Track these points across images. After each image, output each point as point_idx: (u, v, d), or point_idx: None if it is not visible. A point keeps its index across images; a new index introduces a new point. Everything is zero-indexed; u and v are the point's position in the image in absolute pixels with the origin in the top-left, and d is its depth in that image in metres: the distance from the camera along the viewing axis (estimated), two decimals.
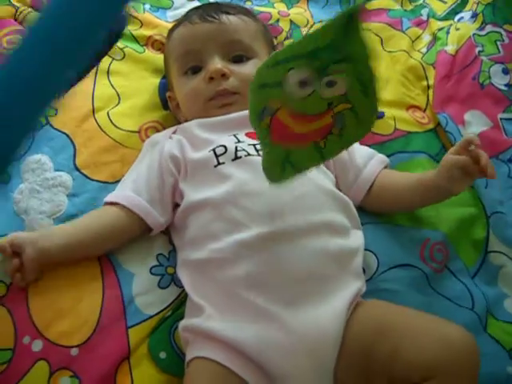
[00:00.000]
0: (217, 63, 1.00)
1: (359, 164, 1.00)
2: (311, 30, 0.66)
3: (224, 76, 1.00)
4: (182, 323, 0.85)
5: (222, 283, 0.83)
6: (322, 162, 0.76)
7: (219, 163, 0.91)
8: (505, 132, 1.17)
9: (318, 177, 0.92)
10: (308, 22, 1.32)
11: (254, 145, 0.93)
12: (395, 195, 0.99)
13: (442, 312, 0.89)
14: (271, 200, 0.86)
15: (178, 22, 1.11)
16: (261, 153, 0.90)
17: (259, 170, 0.84)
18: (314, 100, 0.66)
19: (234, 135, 0.95)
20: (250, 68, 1.02)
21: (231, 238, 0.84)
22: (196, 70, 1.03)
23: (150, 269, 0.92)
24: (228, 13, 1.07)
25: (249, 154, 0.91)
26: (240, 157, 0.91)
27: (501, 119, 1.18)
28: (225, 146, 0.93)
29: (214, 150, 0.93)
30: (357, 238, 0.91)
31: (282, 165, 0.76)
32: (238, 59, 1.04)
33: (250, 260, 0.82)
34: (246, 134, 0.96)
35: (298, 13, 1.33)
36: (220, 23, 1.04)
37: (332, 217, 0.88)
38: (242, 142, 0.94)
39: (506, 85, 1.23)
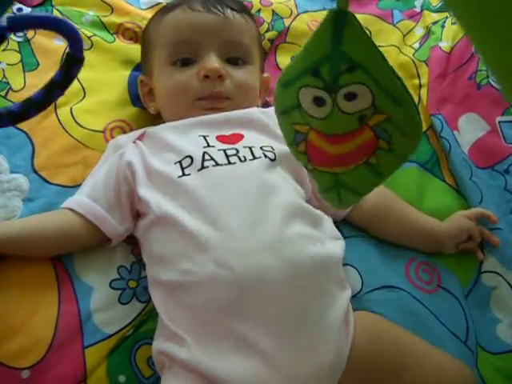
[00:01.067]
0: (214, 61, 0.93)
1: None
2: (307, 42, 0.56)
3: (220, 77, 0.93)
4: (157, 347, 0.78)
5: (196, 309, 0.76)
6: (382, 179, 0.65)
7: (184, 174, 0.84)
8: (503, 137, 1.11)
9: (287, 190, 0.85)
10: (292, 12, 1.23)
11: (224, 150, 0.86)
12: (387, 226, 0.96)
13: (436, 341, 0.86)
14: (239, 214, 0.79)
15: (174, 5, 1.02)
16: (231, 160, 0.85)
17: (226, 182, 0.80)
18: (338, 117, 0.57)
19: (204, 137, 0.88)
20: (244, 74, 0.97)
21: (204, 258, 0.76)
22: (187, 62, 0.96)
23: (110, 282, 0.86)
24: (232, 8, 0.99)
25: (217, 164, 0.84)
26: (207, 166, 0.84)
27: (499, 122, 1.12)
28: (191, 157, 0.85)
29: (180, 162, 0.85)
30: (335, 246, 0.84)
31: (335, 190, 0.67)
32: (234, 61, 0.97)
33: (228, 282, 0.74)
34: (218, 138, 0.89)
35: (282, 2, 1.25)
36: (225, 18, 0.97)
37: (308, 226, 0.82)
38: (212, 146, 0.87)
39: None
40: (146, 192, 0.85)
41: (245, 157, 0.85)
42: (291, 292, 0.75)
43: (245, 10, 1.04)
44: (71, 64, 0.65)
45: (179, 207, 0.81)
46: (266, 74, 1.06)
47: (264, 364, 0.72)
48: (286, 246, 0.77)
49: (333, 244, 0.84)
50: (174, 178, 0.84)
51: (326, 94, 0.55)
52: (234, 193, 0.81)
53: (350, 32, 0.51)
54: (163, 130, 0.92)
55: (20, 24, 0.62)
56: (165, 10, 1.02)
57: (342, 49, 0.52)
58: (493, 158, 1.09)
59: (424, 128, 1.11)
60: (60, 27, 0.63)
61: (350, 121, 0.58)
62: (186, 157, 0.85)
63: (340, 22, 0.50)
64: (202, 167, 0.84)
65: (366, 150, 0.61)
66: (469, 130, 1.12)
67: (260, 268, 0.75)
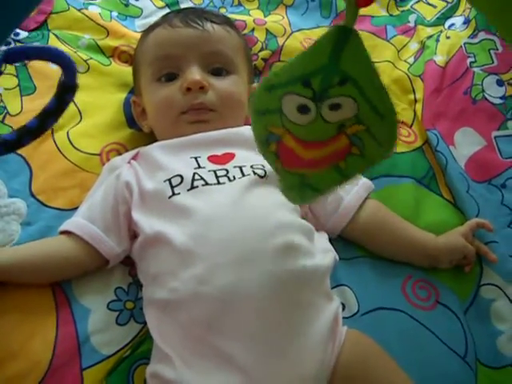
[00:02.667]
0: (196, 74, 0.95)
1: (340, 192, 0.92)
2: (303, 51, 0.56)
3: (202, 89, 0.94)
4: (149, 369, 0.79)
5: (184, 327, 0.77)
6: (346, 181, 0.67)
7: (174, 194, 0.85)
8: (499, 152, 1.11)
9: (275, 205, 0.85)
10: (285, 31, 1.24)
11: (214, 171, 0.87)
12: (381, 240, 0.96)
13: (433, 360, 0.87)
14: (226, 229, 0.80)
15: (156, 24, 1.05)
16: (221, 180, 0.86)
17: (217, 201, 0.81)
18: (319, 125, 0.58)
19: (196, 159, 0.89)
20: (228, 84, 0.97)
21: (188, 275, 0.77)
22: (171, 77, 0.97)
23: (108, 304, 0.86)
24: (212, 21, 1.01)
25: (206, 184, 0.85)
26: (196, 186, 0.85)
27: (495, 137, 1.11)
28: (181, 176, 0.86)
29: (169, 180, 0.86)
30: (324, 258, 0.84)
31: (299, 189, 0.69)
32: (217, 72, 0.98)
33: (208, 298, 0.76)
34: (209, 158, 0.90)
35: (275, 21, 1.25)
36: (204, 31, 0.99)
37: (295, 239, 0.81)
38: (203, 167, 0.88)
39: (501, 97, 1.16)
40: (139, 214, 0.86)
41: (234, 176, 0.86)
42: (273, 305, 0.76)
43: (227, 23, 1.05)
44: (65, 92, 0.66)
45: (170, 226, 0.82)
46: (254, 85, 1.07)
47: (246, 380, 0.73)
48: (268, 259, 0.77)
49: (322, 256, 0.84)
50: (164, 197, 0.85)
51: (312, 103, 0.56)
52: (220, 210, 0.82)
53: (351, 49, 0.52)
54: (155, 150, 0.93)
55: (15, 56, 0.63)
56: (148, 30, 1.05)
57: (338, 64, 0.53)
58: (489, 173, 1.09)
59: (420, 143, 1.12)
60: (54, 57, 0.64)
61: (329, 129, 0.59)
62: (176, 175, 0.87)
63: (342, 38, 0.51)
64: (192, 187, 0.85)
65: (339, 155, 0.62)
66: (465, 144, 1.12)
67: (240, 282, 0.76)
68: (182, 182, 0.86)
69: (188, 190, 0.85)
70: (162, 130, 0.99)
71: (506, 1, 0.44)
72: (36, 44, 1.09)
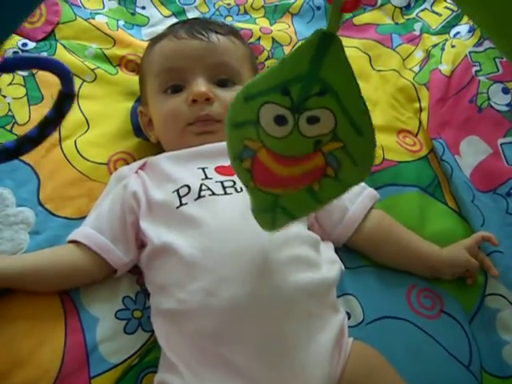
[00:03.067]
0: (201, 85, 0.95)
1: (345, 202, 0.95)
2: (284, 57, 0.55)
3: (208, 100, 0.95)
4: (157, 379, 0.79)
5: (191, 337, 0.78)
6: (319, 207, 0.66)
7: (181, 204, 0.85)
8: (505, 159, 1.10)
9: None
10: (291, 39, 1.24)
11: (221, 182, 0.87)
12: (386, 250, 0.96)
13: (437, 368, 0.87)
14: (233, 242, 0.80)
15: (162, 35, 1.05)
16: (228, 190, 0.86)
17: (224, 211, 0.82)
18: (296, 139, 0.57)
19: (203, 170, 0.90)
20: (234, 95, 0.96)
21: (195, 286, 0.78)
22: (177, 89, 0.98)
23: (116, 313, 0.87)
24: (217, 32, 1.02)
25: (213, 193, 0.86)
26: (203, 196, 0.85)
27: (501, 144, 1.12)
28: (188, 186, 0.87)
29: (177, 190, 0.87)
30: (331, 270, 0.85)
31: (271, 211, 0.68)
32: (223, 83, 0.98)
33: (216, 309, 0.76)
34: (216, 169, 0.90)
35: (281, 29, 1.26)
36: (209, 42, 0.99)
37: (302, 251, 0.82)
38: (210, 178, 0.89)
39: (507, 105, 1.16)
40: (146, 223, 0.87)
41: (241, 188, 0.86)
42: (279, 318, 0.77)
43: (232, 33, 1.05)
44: (63, 101, 0.67)
45: (177, 237, 0.83)
46: None
47: None
48: (275, 272, 0.78)
49: (329, 267, 0.85)
50: (172, 208, 0.86)
51: (290, 114, 0.55)
52: (227, 221, 0.82)
53: (332, 57, 0.51)
54: (163, 161, 0.93)
55: (12, 66, 0.64)
56: (154, 41, 1.06)
57: (318, 72, 0.52)
58: (494, 181, 1.08)
59: (425, 152, 1.12)
60: (51, 66, 0.65)
61: (305, 144, 0.58)
62: (184, 186, 0.87)
63: (324, 45, 0.50)
64: (199, 196, 0.86)
65: (314, 175, 0.61)
66: (470, 153, 1.12)
67: (248, 295, 0.76)
68: (189, 192, 0.86)
69: (195, 200, 0.85)
70: (168, 141, 0.99)
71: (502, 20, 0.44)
72: (32, 54, 1.10)
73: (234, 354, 0.75)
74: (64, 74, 0.64)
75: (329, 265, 0.85)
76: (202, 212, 0.84)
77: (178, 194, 0.87)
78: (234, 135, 0.63)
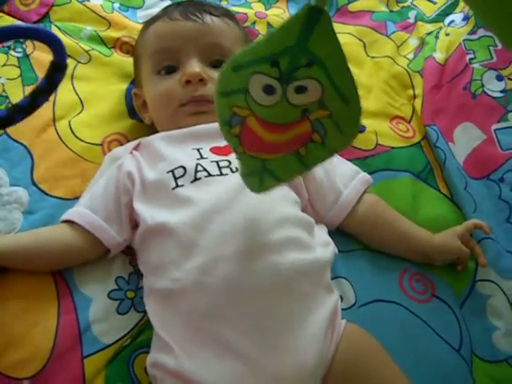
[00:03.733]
0: (195, 66, 0.95)
1: (339, 185, 0.95)
2: (273, 29, 0.56)
3: (202, 81, 0.95)
4: (149, 359, 0.80)
5: (185, 316, 0.78)
6: (305, 170, 0.68)
7: (177, 185, 0.86)
8: (499, 144, 1.12)
9: (279, 198, 0.86)
10: None
11: (217, 162, 0.88)
12: (378, 234, 0.97)
13: (428, 351, 0.89)
14: (228, 222, 0.80)
15: (156, 17, 1.05)
16: (223, 171, 0.86)
17: (219, 192, 0.82)
18: (284, 107, 0.59)
19: (198, 150, 0.90)
20: None
21: (190, 265, 0.78)
22: (171, 70, 0.98)
23: (109, 293, 0.87)
24: (212, 13, 1.02)
25: (209, 175, 0.86)
26: (199, 178, 0.86)
27: (495, 130, 1.13)
28: (184, 168, 0.87)
29: (172, 171, 0.87)
30: (324, 252, 0.85)
31: (259, 174, 0.70)
32: (217, 64, 0.98)
33: (211, 288, 0.76)
34: (211, 149, 0.90)
35: (276, 14, 1.26)
36: (203, 23, 0.99)
37: (296, 232, 0.82)
38: (205, 158, 0.89)
39: (501, 91, 1.17)
40: (140, 204, 0.87)
41: (237, 168, 0.86)
42: (273, 297, 0.77)
43: (226, 15, 1.06)
44: (54, 71, 0.67)
45: (172, 217, 0.83)
46: None
47: (247, 368, 0.74)
48: (269, 252, 0.78)
49: (322, 249, 0.85)
50: (168, 189, 0.86)
51: (278, 84, 0.57)
52: (222, 201, 0.82)
53: (320, 30, 0.52)
54: (157, 141, 0.93)
55: (4, 35, 0.64)
56: (148, 23, 1.06)
57: (306, 44, 0.53)
58: (488, 168, 1.10)
59: (418, 138, 1.13)
60: (41, 36, 0.65)
61: (293, 112, 0.60)
62: (179, 167, 0.87)
63: (312, 19, 0.51)
64: (195, 179, 0.86)
65: (300, 140, 0.63)
66: (464, 140, 1.13)
67: (242, 274, 0.77)
68: (185, 173, 0.86)
69: (192, 182, 0.85)
70: (162, 122, 1.00)
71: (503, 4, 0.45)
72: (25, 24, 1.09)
73: (227, 332, 0.75)
74: (55, 44, 0.64)
75: (322, 247, 0.86)
76: (197, 193, 0.84)
77: (174, 174, 0.87)
78: (222, 103, 0.65)
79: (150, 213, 0.85)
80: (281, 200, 0.86)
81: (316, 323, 0.78)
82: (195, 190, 0.85)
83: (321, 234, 0.90)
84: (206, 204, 0.82)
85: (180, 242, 0.81)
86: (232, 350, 0.75)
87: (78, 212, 0.89)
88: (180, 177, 0.86)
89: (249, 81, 0.59)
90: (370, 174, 1.00)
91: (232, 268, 0.77)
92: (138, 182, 0.88)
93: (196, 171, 0.86)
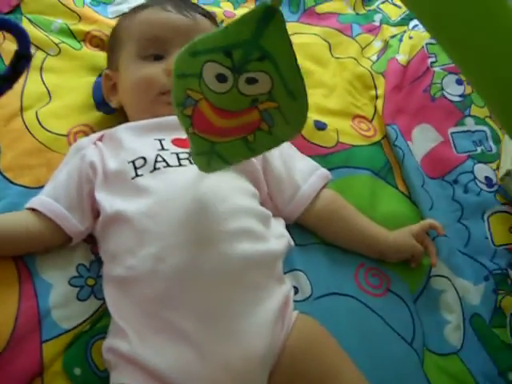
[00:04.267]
0: None
1: (298, 180, 0.97)
2: (230, 22, 0.60)
3: None
4: (105, 344, 0.82)
5: (140, 303, 0.80)
6: (252, 155, 0.72)
7: (137, 175, 0.88)
8: (454, 147, 1.15)
9: (235, 190, 0.89)
10: None
11: (177, 153, 0.90)
12: (334, 230, 0.99)
13: (381, 344, 0.91)
14: (182, 210, 0.82)
15: (145, 5, 1.07)
16: (183, 162, 0.88)
17: (176, 181, 0.84)
18: (235, 96, 0.62)
19: (160, 141, 0.92)
20: None
21: (144, 252, 0.80)
22: (156, 58, 1.00)
23: (69, 280, 0.88)
24: (200, 13, 1.05)
25: (168, 165, 0.88)
26: (158, 168, 0.88)
27: (452, 133, 1.16)
28: (144, 158, 0.89)
29: (133, 161, 0.89)
30: (278, 244, 0.87)
31: (208, 155, 0.73)
32: None
33: (164, 275, 0.79)
34: (173, 141, 0.92)
35: None
36: (194, 19, 1.02)
37: (250, 224, 0.85)
38: (166, 149, 0.91)
39: (460, 95, 1.20)
40: (101, 193, 0.89)
41: None
42: (224, 286, 0.79)
43: (209, 16, 1.09)
44: (19, 60, 0.69)
45: (129, 205, 0.85)
46: None
47: (198, 355, 0.76)
48: (220, 241, 0.80)
49: (276, 241, 0.87)
50: (128, 178, 0.87)
51: (230, 74, 0.60)
52: (178, 190, 0.84)
53: (273, 28, 0.55)
54: (120, 132, 0.95)
55: None
56: (138, 9, 1.08)
57: (259, 40, 0.56)
58: (443, 169, 1.13)
59: (379, 137, 1.16)
60: (6, 26, 0.67)
61: (243, 101, 0.63)
62: (140, 158, 0.89)
63: (267, 17, 0.54)
64: (154, 168, 0.88)
65: (249, 128, 0.67)
66: (422, 140, 1.16)
67: (193, 262, 0.79)
68: (145, 163, 0.88)
69: (151, 172, 0.87)
70: (136, 107, 1.01)
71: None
72: None
73: (179, 319, 0.77)
74: (19, 33, 0.66)
75: (276, 239, 0.88)
76: (155, 183, 0.86)
77: (134, 165, 0.88)
78: (178, 84, 0.67)
79: (109, 202, 0.87)
80: (237, 191, 0.88)
81: (266, 313, 0.80)
82: (153, 180, 0.86)
83: (277, 226, 0.92)
84: (162, 193, 0.84)
85: (135, 230, 0.82)
86: (184, 337, 0.77)
87: (40, 200, 0.90)
88: (140, 167, 0.88)
89: (203, 67, 0.61)
90: (329, 170, 1.03)
91: (184, 256, 0.79)
92: (101, 172, 0.90)
93: (156, 161, 0.88)
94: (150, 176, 0.87)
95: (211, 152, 0.72)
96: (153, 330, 0.78)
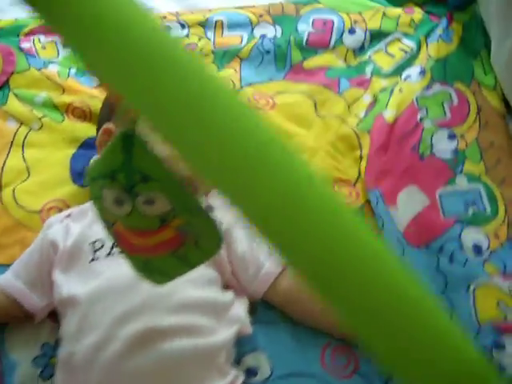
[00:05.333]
0: None
1: (261, 259, 0.95)
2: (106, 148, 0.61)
3: None
4: None
5: None
6: (190, 269, 0.69)
7: (93, 259, 0.89)
8: (442, 210, 1.06)
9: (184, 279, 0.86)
10: (235, 86, 1.25)
11: None
12: (300, 310, 0.95)
13: None
14: (129, 303, 0.83)
15: None
16: None
17: (124, 269, 0.80)
18: (139, 217, 0.61)
19: None
20: None
21: (86, 341, 0.82)
22: None
23: (34, 359, 0.92)
24: None
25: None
26: (113, 253, 0.89)
27: (440, 195, 1.08)
28: (102, 241, 0.90)
29: (93, 243, 0.90)
30: (227, 333, 0.86)
31: (148, 272, 0.71)
32: None
33: (99, 367, 0.80)
34: None
35: (228, 75, 1.26)
36: None
37: (195, 319, 0.84)
38: None
39: (452, 151, 1.12)
40: (59, 273, 0.91)
41: None
42: (157, 381, 0.80)
43: None
44: None
45: (82, 289, 0.86)
46: None
47: None
48: (159, 338, 0.80)
49: (225, 331, 0.86)
50: (86, 260, 0.90)
51: (126, 197, 0.60)
52: (127, 281, 0.84)
53: (138, 151, 0.56)
54: (85, 211, 0.97)
55: None
56: None
57: (132, 163, 0.57)
58: (428, 236, 1.04)
59: (361, 202, 1.10)
60: None
61: (150, 221, 0.62)
62: (98, 240, 0.91)
63: (128, 142, 0.55)
64: (109, 254, 0.89)
65: (170, 244, 0.65)
66: (408, 204, 1.08)
67: (129, 357, 0.79)
68: (102, 246, 0.90)
69: (106, 256, 0.89)
70: None
71: None
72: None
73: None
74: None
75: (228, 328, 0.87)
76: (107, 269, 0.87)
77: (94, 247, 0.90)
78: (99, 209, 0.66)
79: (65, 283, 0.89)
80: (190, 282, 0.87)
81: None
82: (108, 265, 0.88)
83: (237, 310, 0.90)
84: (111, 281, 0.85)
85: (80, 315, 0.84)
86: None
87: (5, 277, 0.95)
88: (98, 249, 0.90)
89: (102, 192, 0.62)
90: None
91: (120, 350, 0.80)
92: (61, 251, 0.92)
93: (113, 245, 0.89)
94: (105, 260, 0.89)
95: (148, 269, 0.70)
96: None
